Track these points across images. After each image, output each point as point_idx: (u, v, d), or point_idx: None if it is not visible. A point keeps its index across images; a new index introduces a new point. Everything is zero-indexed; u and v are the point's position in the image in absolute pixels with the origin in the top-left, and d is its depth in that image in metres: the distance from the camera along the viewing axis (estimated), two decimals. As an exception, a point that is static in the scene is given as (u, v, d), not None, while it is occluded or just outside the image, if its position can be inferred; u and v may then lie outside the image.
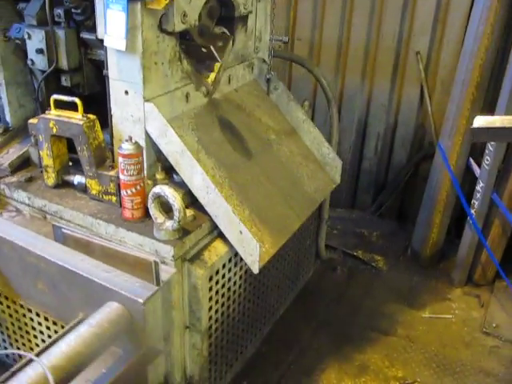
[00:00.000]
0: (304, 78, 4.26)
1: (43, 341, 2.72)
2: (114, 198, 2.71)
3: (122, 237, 2.58)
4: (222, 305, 2.85)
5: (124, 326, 1.76)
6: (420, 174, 4.66)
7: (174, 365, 2.74)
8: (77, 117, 2.67)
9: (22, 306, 2.74)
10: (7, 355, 2.90)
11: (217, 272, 2.70)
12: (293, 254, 3.59)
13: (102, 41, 2.55)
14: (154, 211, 2.48)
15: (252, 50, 3.30)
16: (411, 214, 4.63)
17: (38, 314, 2.69)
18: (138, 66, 2.48)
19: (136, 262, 2.33)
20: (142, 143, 2.61)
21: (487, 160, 3.80)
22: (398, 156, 4.76)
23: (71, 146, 2.79)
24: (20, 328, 2.88)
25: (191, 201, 2.71)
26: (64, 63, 2.83)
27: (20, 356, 1.62)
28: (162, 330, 2.51)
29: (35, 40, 2.81)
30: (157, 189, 2.43)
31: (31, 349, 2.80)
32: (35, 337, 2.78)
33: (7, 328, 2.96)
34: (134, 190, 2.53)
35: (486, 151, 3.80)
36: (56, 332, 2.54)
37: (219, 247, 2.72)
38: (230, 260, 2.79)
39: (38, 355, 1.56)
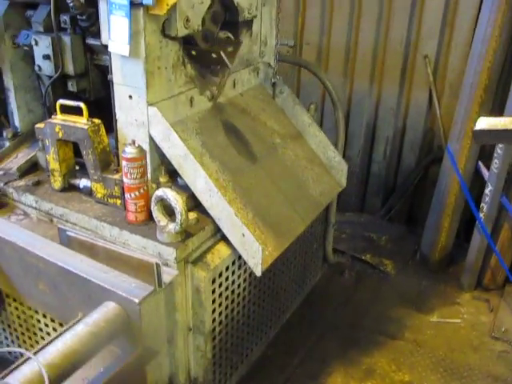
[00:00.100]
0: (312, 82, 4.27)
1: (50, 342, 2.77)
2: (118, 201, 2.74)
3: (126, 239, 2.61)
4: (226, 307, 2.86)
5: (121, 326, 1.78)
6: (429, 178, 4.64)
7: (178, 366, 2.76)
8: (82, 121, 2.71)
9: (30, 308, 2.79)
10: (10, 353, 2.94)
11: (220, 274, 2.72)
12: (299, 258, 3.60)
13: (106, 46, 2.59)
14: (156, 214, 2.51)
15: (257, 54, 3.32)
16: (421, 218, 4.61)
17: (44, 316, 2.74)
18: (142, 71, 2.51)
19: (138, 264, 2.36)
20: (146, 147, 2.65)
21: (496, 163, 3.78)
22: (407, 160, 4.74)
23: (78, 151, 2.83)
24: (28, 329, 2.92)
25: (195, 204, 2.73)
26: (70, 69, 2.88)
27: (22, 354, 1.64)
28: (165, 331, 2.55)
29: (42, 46, 2.86)
30: (159, 192, 2.46)
31: (38, 350, 2.84)
32: (43, 338, 2.81)
33: (15, 330, 3.01)
34: (137, 193, 2.56)
35: (495, 154, 3.77)
36: (61, 333, 2.58)
37: (222, 250, 2.74)
38: (233, 263, 2.81)
39: (35, 353, 1.59)
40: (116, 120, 2.73)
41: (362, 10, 4.47)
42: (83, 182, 2.87)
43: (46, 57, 2.87)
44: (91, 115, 2.77)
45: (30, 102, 3.23)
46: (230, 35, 3.06)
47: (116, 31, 2.48)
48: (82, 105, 2.70)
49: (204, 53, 2.81)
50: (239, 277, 2.91)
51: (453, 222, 4.23)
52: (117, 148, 2.80)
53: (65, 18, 2.80)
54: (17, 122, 3.23)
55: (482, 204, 3.94)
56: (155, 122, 2.61)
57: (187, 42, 2.74)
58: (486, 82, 3.80)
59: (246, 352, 3.24)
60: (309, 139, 3.46)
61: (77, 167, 2.97)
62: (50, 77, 2.95)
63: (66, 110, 2.80)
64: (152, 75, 2.55)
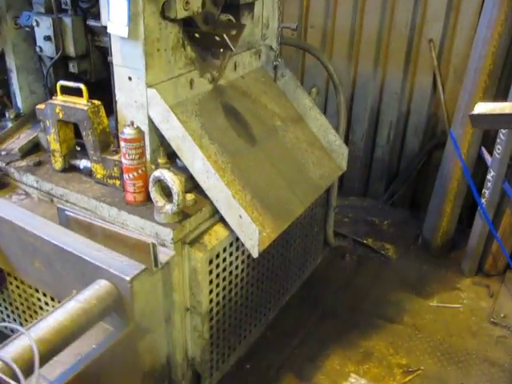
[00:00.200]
0: (316, 66, 4.23)
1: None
2: (117, 182, 2.77)
3: (124, 219, 2.64)
4: (224, 288, 2.89)
5: (112, 303, 1.82)
6: (433, 163, 4.63)
7: (175, 346, 2.80)
8: (82, 102, 2.73)
9: (30, 287, 2.84)
10: (12, 330, 2.98)
11: (217, 255, 2.75)
12: (299, 241, 3.62)
13: (106, 28, 2.59)
14: (154, 195, 2.53)
15: (259, 37, 3.32)
16: (423, 203, 4.60)
17: (44, 294, 2.78)
18: (141, 53, 2.52)
19: (135, 244, 2.39)
20: (145, 128, 2.66)
21: (498, 149, 3.77)
22: (411, 144, 4.73)
23: (78, 132, 2.85)
24: (29, 308, 2.97)
25: (193, 185, 2.75)
26: (71, 50, 2.90)
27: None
28: (162, 311, 2.58)
29: (43, 27, 2.88)
30: (157, 173, 2.48)
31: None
32: (43, 316, 2.87)
33: (17, 308, 3.06)
34: (135, 174, 2.59)
35: (498, 140, 3.76)
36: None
37: (220, 231, 2.76)
38: (231, 244, 2.83)
39: (28, 329, 1.63)
40: (116, 101, 2.74)
41: (367, -8, 4.44)
42: (83, 163, 2.89)
43: (47, 38, 2.88)
44: (93, 96, 2.79)
45: (32, 83, 3.25)
46: (231, 17, 3.06)
47: (115, 13, 2.48)
48: (82, 86, 2.72)
49: (207, 35, 2.81)
50: (237, 258, 2.93)
51: (455, 207, 4.23)
52: (117, 129, 2.82)
53: (66, -1, 2.82)
54: (19, 103, 3.25)
55: (484, 190, 3.93)
56: (154, 104, 2.62)
57: (188, 24, 2.74)
58: (490, 66, 3.78)
59: (245, 333, 3.28)
60: (310, 122, 3.46)
61: (78, 148, 3.00)
62: (52, 58, 2.97)
63: (67, 91, 2.82)
64: (151, 57, 2.56)
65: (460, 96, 4.01)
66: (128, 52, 2.57)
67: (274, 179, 3.02)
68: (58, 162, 2.91)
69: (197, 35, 2.77)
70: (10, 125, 3.21)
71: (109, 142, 2.81)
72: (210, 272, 2.73)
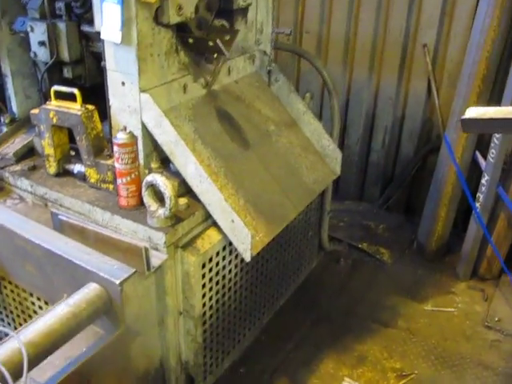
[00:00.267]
0: (312, 71, 4.24)
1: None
2: (111, 186, 2.78)
3: (118, 224, 2.65)
4: (217, 292, 2.90)
5: (102, 307, 1.83)
6: (427, 167, 4.64)
7: (169, 349, 2.81)
8: (76, 107, 2.75)
9: (24, 291, 2.85)
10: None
11: (210, 259, 2.76)
12: (294, 245, 3.63)
13: (100, 33, 2.61)
14: (147, 199, 2.54)
15: (253, 42, 3.34)
16: (418, 208, 4.61)
17: (39, 299, 2.79)
18: (134, 58, 2.53)
19: (128, 247, 2.41)
20: (138, 133, 2.68)
21: (492, 153, 3.79)
22: (406, 149, 4.75)
23: (73, 136, 2.87)
24: (23, 312, 2.97)
25: (186, 190, 2.76)
26: (65, 55, 2.91)
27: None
28: (155, 314, 2.60)
29: (37, 33, 2.90)
30: (149, 177, 2.49)
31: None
32: (37, 320, 2.87)
33: (11, 312, 3.07)
34: (128, 179, 2.60)
35: (492, 144, 3.78)
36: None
37: (213, 235, 2.77)
38: (224, 248, 2.84)
39: (18, 333, 1.64)
40: (109, 106, 2.76)
41: (362, -1, 4.47)
42: (77, 167, 2.91)
43: (42, 43, 2.90)
44: (88, 101, 2.80)
45: (27, 88, 3.27)
46: (224, 23, 3.08)
47: (108, 18, 2.50)
48: (75, 91, 2.73)
49: (200, 41, 2.83)
50: (230, 262, 2.94)
51: (449, 211, 4.24)
52: (110, 134, 2.83)
53: (60, 4, 2.84)
54: (14, 108, 3.27)
55: (479, 194, 3.95)
56: (147, 109, 2.64)
57: (181, 30, 2.76)
58: (484, 72, 3.80)
59: (239, 337, 3.29)
60: (303, 127, 3.48)
61: (72, 153, 3.01)
62: (46, 63, 2.99)
63: (62, 96, 2.83)
64: (144, 62, 2.57)
65: (454, 101, 4.03)
66: (121, 57, 2.59)
67: (268, 183, 3.03)
68: (52, 167, 2.93)
69: (190, 40, 2.79)
70: (5, 129, 3.22)
71: (102, 146, 2.82)
72: (203, 276, 2.74)
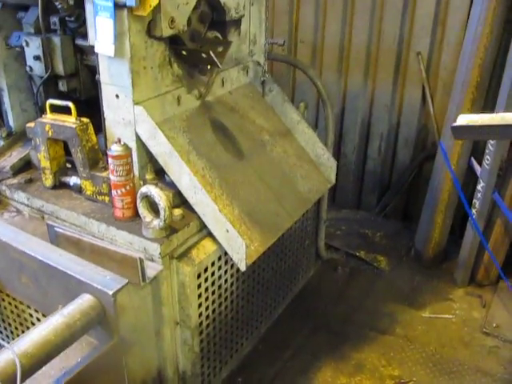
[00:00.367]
0: (307, 81, 4.26)
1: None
2: (106, 198, 2.80)
3: (113, 235, 2.67)
4: (213, 302, 2.92)
5: (96, 317, 1.85)
6: (424, 175, 4.66)
7: (166, 359, 2.83)
8: (71, 120, 2.78)
9: (21, 303, 2.86)
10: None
11: (205, 270, 2.77)
12: (290, 254, 3.64)
13: (94, 47, 2.65)
14: (142, 210, 2.57)
15: (246, 53, 3.37)
16: (416, 215, 4.63)
17: (37, 311, 2.80)
18: (127, 71, 2.57)
19: (123, 259, 2.43)
20: (133, 145, 2.70)
21: (487, 159, 3.80)
22: (402, 156, 4.78)
23: (69, 149, 2.89)
24: (21, 324, 2.99)
25: (181, 201, 2.79)
26: (60, 69, 2.94)
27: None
28: (152, 325, 2.62)
29: (33, 47, 2.93)
30: (144, 189, 2.52)
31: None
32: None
33: (10, 324, 3.08)
34: (123, 190, 2.62)
35: (487, 150, 3.79)
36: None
37: (208, 245, 2.79)
38: (219, 258, 2.86)
39: (12, 344, 1.66)
40: (104, 119, 2.79)
41: (355, 7, 4.51)
42: (73, 180, 2.93)
43: (37, 57, 2.93)
44: (83, 115, 2.84)
45: (23, 101, 3.29)
46: (218, 34, 3.12)
47: (101, 32, 2.54)
48: (70, 104, 2.76)
49: (194, 53, 2.86)
50: (226, 272, 2.96)
51: (446, 218, 4.26)
52: (106, 146, 2.86)
53: (54, 19, 2.88)
54: (11, 122, 3.30)
55: (475, 200, 3.96)
56: (141, 121, 2.66)
57: (174, 42, 2.80)
58: (477, 79, 3.82)
59: (236, 346, 3.30)
60: (298, 136, 3.50)
61: (68, 165, 3.04)
62: (41, 77, 3.02)
63: (57, 109, 2.86)
64: (138, 75, 2.61)
65: (448, 108, 4.05)
66: (115, 70, 2.62)
67: (263, 193, 3.05)
68: (48, 180, 2.96)
69: (184, 53, 2.82)
70: (1, 143, 3.25)
71: (98, 158, 2.85)
72: (199, 286, 2.76)
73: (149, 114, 2.64)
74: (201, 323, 2.86)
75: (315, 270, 4.14)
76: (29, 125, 2.92)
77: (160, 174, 2.81)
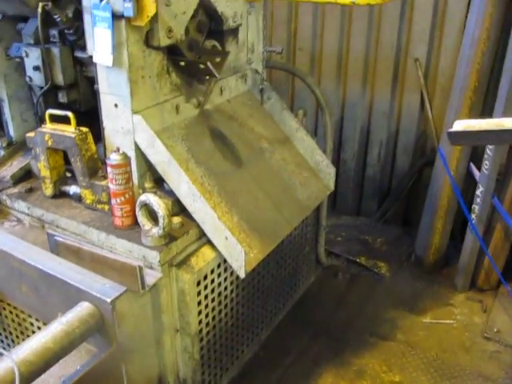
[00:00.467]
0: (306, 89, 4.29)
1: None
2: (106, 207, 2.82)
3: (113, 243, 2.69)
4: (213, 309, 2.93)
5: (95, 325, 1.87)
6: (423, 180, 4.68)
7: (166, 367, 2.84)
8: (70, 130, 2.80)
9: (23, 312, 2.88)
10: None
11: (205, 277, 2.79)
12: (290, 261, 3.65)
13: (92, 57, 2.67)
14: (141, 218, 2.59)
15: (244, 61, 3.39)
16: (416, 220, 4.63)
17: (37, 320, 2.82)
18: (125, 80, 2.59)
19: (123, 267, 2.44)
20: (132, 154, 2.72)
21: (486, 165, 3.82)
22: (401, 163, 4.79)
23: (69, 158, 2.92)
24: (22, 333, 3.00)
25: (180, 209, 2.80)
26: (60, 79, 2.97)
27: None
28: (152, 332, 2.63)
29: (32, 58, 2.96)
30: (143, 197, 2.54)
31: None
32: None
33: (10, 333, 3.09)
34: (122, 199, 2.64)
35: (485, 156, 3.81)
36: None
37: (207, 253, 2.80)
38: (219, 265, 2.87)
39: (11, 352, 1.68)
40: (103, 128, 2.81)
41: (353, 15, 4.54)
42: (73, 189, 2.95)
43: (36, 68, 2.96)
44: (82, 124, 2.86)
45: (24, 112, 3.32)
46: (216, 43, 3.14)
47: (100, 42, 2.57)
48: (69, 114, 2.79)
49: (191, 63, 2.88)
50: (226, 279, 2.97)
51: (446, 223, 4.27)
52: (105, 155, 2.88)
53: (54, 32, 2.91)
54: (11, 132, 3.32)
55: (474, 205, 3.97)
56: (140, 130, 2.68)
57: (172, 52, 2.82)
58: (475, 84, 3.84)
59: (237, 353, 3.30)
60: (297, 144, 3.52)
61: (69, 174, 3.06)
62: (41, 87, 3.05)
63: (57, 119, 2.89)
64: (136, 84, 2.63)
65: (447, 114, 4.07)
66: (113, 80, 2.64)
67: (261, 200, 3.07)
68: (48, 189, 2.98)
69: (182, 63, 2.85)
70: (2, 153, 3.27)
71: (97, 167, 2.87)
72: (199, 293, 2.77)
73: (147, 122, 2.67)
74: (201, 330, 2.87)
75: (315, 276, 4.15)
76: (29, 135, 2.95)
77: (159, 182, 2.83)
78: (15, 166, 3.23)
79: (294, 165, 3.42)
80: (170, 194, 2.80)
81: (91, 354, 1.96)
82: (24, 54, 2.99)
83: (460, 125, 2.39)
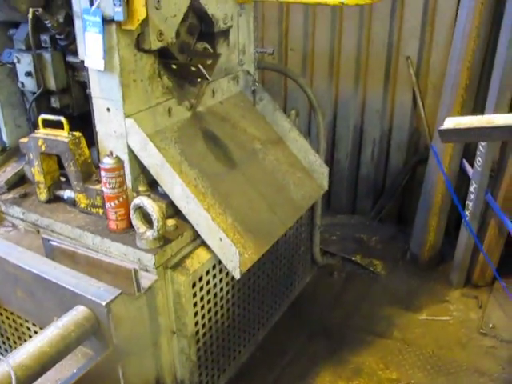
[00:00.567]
0: (299, 89, 4.32)
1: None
2: (100, 211, 2.83)
3: (108, 247, 2.70)
4: (209, 310, 2.94)
5: (90, 328, 1.88)
6: (417, 178, 4.69)
7: (164, 369, 2.85)
8: (63, 135, 2.81)
9: (20, 317, 2.89)
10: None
11: (200, 278, 2.80)
12: (285, 261, 3.66)
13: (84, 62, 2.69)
14: (135, 221, 2.60)
15: (236, 63, 3.40)
16: (411, 218, 4.65)
17: (34, 324, 2.83)
18: (117, 84, 2.60)
19: (118, 270, 2.45)
20: (125, 157, 2.74)
21: (479, 161, 3.83)
22: (395, 161, 4.81)
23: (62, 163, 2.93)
24: (20, 338, 3.01)
25: (175, 211, 2.82)
26: (52, 84, 2.98)
27: None
28: (149, 335, 2.64)
29: (24, 63, 2.97)
30: (137, 200, 2.55)
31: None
32: (33, 346, 2.90)
33: (8, 338, 3.10)
34: (117, 202, 2.65)
35: (478, 152, 3.82)
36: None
37: (202, 254, 2.82)
38: (214, 267, 2.88)
39: (7, 356, 1.69)
40: (96, 132, 2.83)
41: (344, 14, 4.54)
42: (67, 193, 2.96)
43: (28, 73, 2.97)
44: (76, 129, 2.87)
45: (17, 117, 3.32)
46: (207, 46, 3.15)
47: (91, 47, 2.58)
48: (62, 119, 2.80)
49: (183, 66, 2.90)
50: (221, 280, 2.98)
51: (440, 220, 4.29)
52: (99, 159, 2.89)
53: (45, 37, 2.92)
54: (5, 138, 3.32)
55: (468, 202, 3.99)
56: (132, 133, 2.70)
57: (164, 55, 2.83)
58: (466, 81, 3.86)
59: (234, 354, 3.31)
60: (290, 144, 3.53)
61: (63, 179, 3.06)
62: (34, 93, 3.05)
63: (51, 124, 2.90)
64: (128, 88, 2.64)
65: (439, 111, 4.09)
66: (105, 84, 2.65)
67: (255, 201, 3.08)
68: (42, 194, 2.98)
69: (173, 66, 2.86)
70: (-4, 159, 3.29)
71: (91, 172, 2.88)
72: (194, 295, 2.78)
73: (140, 126, 2.68)
74: (197, 332, 2.88)
75: (311, 275, 4.16)
76: (22, 140, 2.95)
77: (153, 185, 2.84)
78: (9, 171, 3.23)
79: (287, 165, 3.43)
80: (164, 196, 2.81)
81: (87, 357, 1.97)
82: (16, 60, 3.00)
83: (451, 122, 2.41)
